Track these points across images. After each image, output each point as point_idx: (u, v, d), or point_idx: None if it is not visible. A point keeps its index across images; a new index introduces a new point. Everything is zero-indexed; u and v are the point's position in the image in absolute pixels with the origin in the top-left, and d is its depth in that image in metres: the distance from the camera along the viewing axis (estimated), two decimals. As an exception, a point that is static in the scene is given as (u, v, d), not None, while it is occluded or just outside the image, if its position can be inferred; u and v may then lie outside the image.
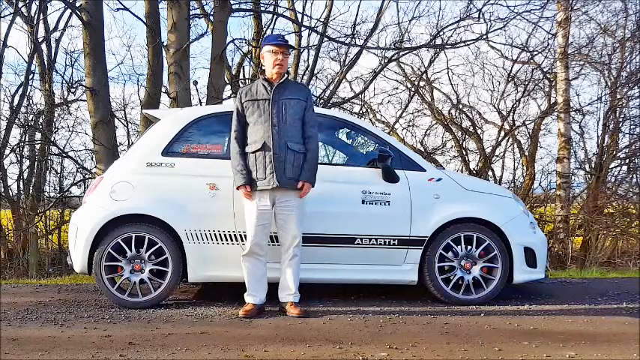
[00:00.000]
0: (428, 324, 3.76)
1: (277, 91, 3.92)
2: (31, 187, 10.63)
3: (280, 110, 3.90)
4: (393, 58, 10.28)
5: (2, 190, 10.01)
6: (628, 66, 10.02)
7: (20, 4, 9.52)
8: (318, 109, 5.15)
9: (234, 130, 4.00)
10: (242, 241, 4.22)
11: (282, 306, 4.04)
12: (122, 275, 4.22)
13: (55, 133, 10.85)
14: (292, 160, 3.90)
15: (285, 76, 4.01)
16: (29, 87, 10.54)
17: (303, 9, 10.27)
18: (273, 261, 4.11)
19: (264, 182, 3.89)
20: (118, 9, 7.50)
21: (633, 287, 5.22)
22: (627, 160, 10.30)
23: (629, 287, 5.23)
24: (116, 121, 8.98)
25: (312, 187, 3.98)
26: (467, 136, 11.28)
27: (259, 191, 3.92)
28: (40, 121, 10.84)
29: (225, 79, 9.80)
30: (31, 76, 10.47)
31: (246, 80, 11.05)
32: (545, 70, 10.41)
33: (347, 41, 9.65)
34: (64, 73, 11.08)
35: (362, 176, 4.36)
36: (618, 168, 10.40)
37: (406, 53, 10.33)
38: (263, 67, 4.11)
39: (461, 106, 11.42)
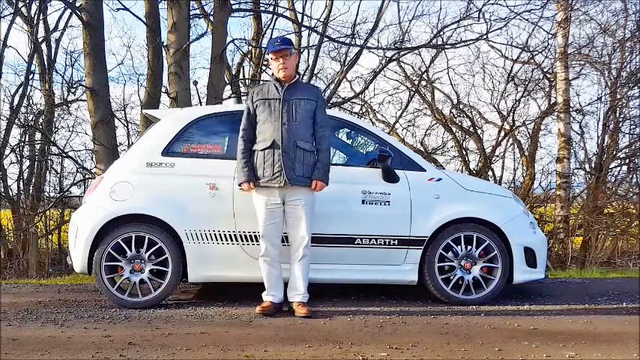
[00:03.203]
0: (428, 324, 3.76)
1: (288, 91, 3.97)
2: (31, 187, 10.63)
3: (290, 109, 3.93)
4: (394, 57, 10.28)
5: (2, 190, 10.01)
6: (628, 66, 10.03)
7: (20, 4, 9.53)
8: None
9: (243, 128, 4.03)
10: (242, 241, 4.22)
11: (290, 305, 4.04)
12: (122, 275, 4.22)
13: (55, 133, 10.86)
14: (302, 159, 3.92)
15: (297, 77, 4.07)
16: (29, 87, 10.55)
17: (303, 9, 10.28)
18: (282, 261, 4.11)
19: (272, 180, 3.90)
20: (118, 9, 7.52)
21: (633, 287, 5.22)
22: (627, 160, 10.29)
23: (629, 287, 5.22)
24: (116, 121, 8.99)
25: (326, 185, 4.00)
26: (467, 136, 11.28)
27: (268, 189, 3.93)
28: (40, 121, 10.85)
29: (225, 79, 9.80)
30: (31, 76, 10.47)
31: (246, 80, 11.05)
32: (545, 70, 10.41)
33: (347, 41, 9.65)
34: (64, 73, 11.11)
35: (362, 176, 4.36)
36: (618, 168, 10.41)
37: (406, 53, 10.33)
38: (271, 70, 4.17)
39: (461, 106, 11.42)
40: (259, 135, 3.98)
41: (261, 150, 3.94)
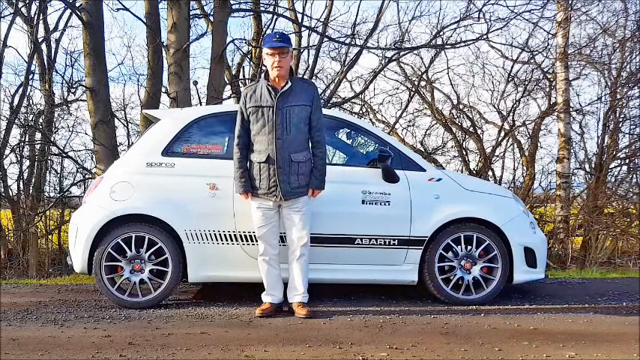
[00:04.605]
0: (428, 324, 3.76)
1: (281, 98, 3.85)
2: (31, 187, 10.62)
3: (284, 119, 3.84)
4: (394, 58, 10.27)
5: (2, 190, 10.00)
6: (628, 66, 10.00)
7: (20, 4, 9.52)
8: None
9: (238, 135, 3.97)
10: (242, 241, 4.22)
11: (290, 306, 4.04)
12: (122, 275, 4.22)
13: (55, 133, 10.85)
14: (297, 171, 3.88)
15: (289, 84, 3.87)
16: (29, 87, 10.52)
17: (303, 9, 10.27)
18: (281, 261, 4.10)
19: (269, 194, 3.89)
20: (118, 9, 7.52)
21: (633, 287, 5.23)
22: (627, 160, 10.28)
23: (629, 287, 5.23)
24: (116, 121, 8.98)
25: (323, 190, 4.00)
26: (467, 136, 11.27)
27: (265, 198, 3.94)
28: (40, 121, 10.83)
29: (225, 79, 9.79)
30: (31, 76, 10.44)
31: (246, 80, 11.04)
32: (545, 70, 10.41)
33: (347, 41, 9.65)
34: (64, 73, 11.09)
35: (362, 176, 4.36)
36: (618, 168, 10.39)
37: (406, 53, 10.31)
38: (265, 68, 4.03)
39: (461, 106, 11.42)
40: (254, 144, 3.93)
41: (257, 162, 3.91)
